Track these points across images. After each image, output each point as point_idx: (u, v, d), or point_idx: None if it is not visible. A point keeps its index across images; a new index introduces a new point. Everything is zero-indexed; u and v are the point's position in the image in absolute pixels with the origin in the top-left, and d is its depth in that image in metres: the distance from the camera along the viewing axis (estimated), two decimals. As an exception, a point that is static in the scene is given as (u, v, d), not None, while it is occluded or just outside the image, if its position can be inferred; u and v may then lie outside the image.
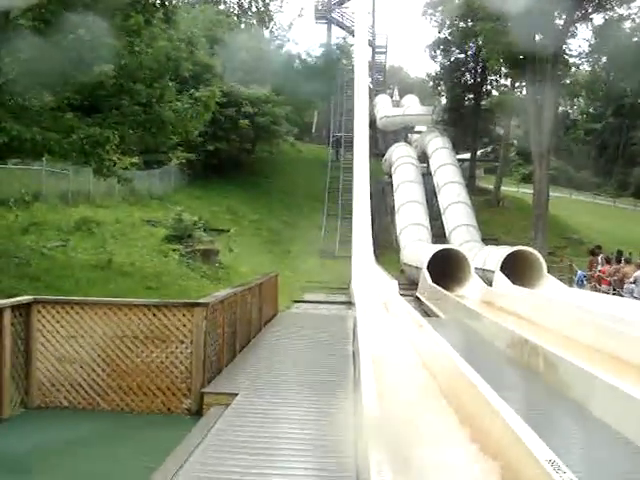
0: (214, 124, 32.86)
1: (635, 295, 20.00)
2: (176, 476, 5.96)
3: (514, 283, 24.44)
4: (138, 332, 9.13)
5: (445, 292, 22.19)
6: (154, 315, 9.12)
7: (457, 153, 46.12)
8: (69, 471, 6.98)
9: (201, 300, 9.73)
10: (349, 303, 21.61)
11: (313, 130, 57.87)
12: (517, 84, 48.82)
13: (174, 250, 23.69)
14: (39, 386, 9.12)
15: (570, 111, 72.30)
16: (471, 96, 50.20)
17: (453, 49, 50.46)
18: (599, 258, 24.79)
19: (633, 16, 40.16)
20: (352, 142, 44.97)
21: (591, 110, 71.30)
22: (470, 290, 25.01)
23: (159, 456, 6.60)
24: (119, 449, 7.72)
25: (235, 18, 56.12)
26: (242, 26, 54.43)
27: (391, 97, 61.68)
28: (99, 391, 9.10)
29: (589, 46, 46.35)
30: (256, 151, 44.47)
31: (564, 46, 39.93)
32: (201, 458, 6.51)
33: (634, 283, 20.42)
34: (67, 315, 9.17)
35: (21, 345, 8.98)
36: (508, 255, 26.57)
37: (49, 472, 6.96)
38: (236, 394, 8.86)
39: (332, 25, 61.87)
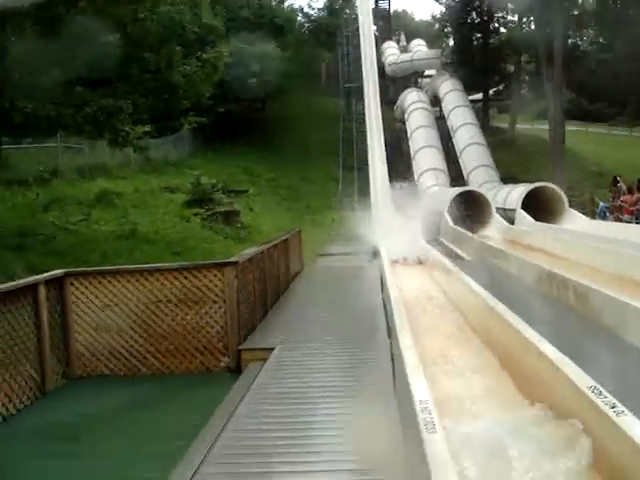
0: (223, 86, 32.68)
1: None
2: (224, 430, 6.10)
3: (536, 220, 24.36)
4: (171, 296, 9.25)
5: (467, 233, 22.18)
6: (185, 278, 9.24)
7: (469, 94, 45.49)
8: (117, 435, 7.14)
9: (230, 259, 9.82)
10: (373, 253, 21.65)
11: (322, 83, 57.37)
12: (525, 19, 48.07)
13: (195, 214, 23.84)
14: (79, 357, 9.30)
15: (580, 43, 71.12)
16: (479, 35, 49.48)
17: (458, -13, 49.67)
18: (621, 187, 24.61)
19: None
20: (362, 92, 44.62)
21: (601, 40, 70.13)
22: (493, 230, 24.97)
23: (204, 413, 6.74)
24: (164, 410, 7.89)
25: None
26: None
27: (398, 43, 60.88)
28: (138, 357, 9.27)
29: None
30: (267, 109, 44.24)
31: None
32: (245, 412, 6.65)
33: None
34: (100, 285, 9.31)
35: (58, 318, 9.13)
36: (528, 193, 26.45)
37: (98, 438, 7.11)
38: (272, 349, 9.00)
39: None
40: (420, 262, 18.25)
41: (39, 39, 15.51)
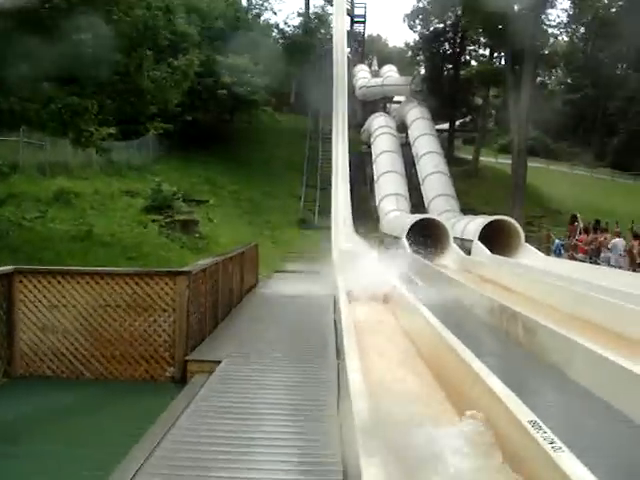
0: (192, 94, 32.58)
1: (612, 263, 20.26)
2: (163, 440, 6.03)
3: (492, 252, 24.64)
4: (121, 301, 9.15)
5: (424, 261, 22.33)
6: (136, 284, 9.15)
7: (436, 123, 46.02)
8: (56, 438, 7.03)
9: (184, 269, 9.76)
10: (329, 272, 21.65)
11: (292, 100, 57.54)
12: (496, 54, 48.84)
13: (153, 221, 23.61)
14: (22, 356, 9.14)
15: (548, 81, 72.41)
16: (450, 66, 50.18)
17: (432, 19, 50.33)
18: (578, 225, 25.07)
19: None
20: (331, 112, 44.86)
21: (569, 81, 71.49)
22: (449, 259, 25.19)
23: (145, 422, 6.67)
24: (105, 416, 7.77)
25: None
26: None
27: (370, 67, 61.39)
28: (82, 360, 9.14)
29: (567, 16, 46.47)
30: (235, 121, 44.22)
31: (543, 16, 39.95)
32: (187, 423, 6.58)
33: (610, 251, 20.68)
34: (49, 285, 9.18)
35: (3, 315, 8.99)
36: (486, 225, 26.76)
37: (36, 440, 6.99)
38: (219, 362, 8.93)
39: (310, -6, 61.19)
40: (385, 299, 15.21)
41: (7, 32, 15.31)
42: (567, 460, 4.61)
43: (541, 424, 5.19)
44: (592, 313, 12.58)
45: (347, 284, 15.60)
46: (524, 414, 5.47)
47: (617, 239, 21.13)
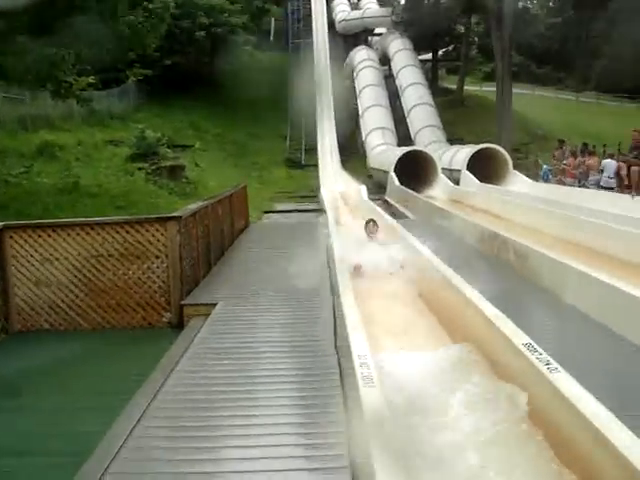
0: (170, 38, 32.00)
1: (602, 184, 20.22)
2: (165, 385, 6.10)
3: (481, 181, 24.63)
4: (113, 250, 9.17)
5: (413, 193, 22.33)
6: (127, 232, 9.15)
7: (418, 54, 45.50)
8: (59, 390, 7.11)
9: (173, 214, 9.75)
10: (319, 211, 21.68)
11: (271, 38, 56.61)
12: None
13: (140, 169, 23.52)
14: (18, 311, 9.18)
15: (530, 5, 71.37)
16: (430, -6, 49.31)
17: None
18: (565, 150, 25.00)
19: None
20: (312, 48, 44.26)
21: (551, 4, 70.44)
22: (438, 190, 25.20)
23: (146, 368, 6.74)
24: (106, 365, 7.82)
25: None
26: None
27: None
28: (79, 311, 9.19)
29: None
30: (215, 63, 43.58)
31: None
32: (187, 366, 6.66)
33: (601, 173, 20.61)
34: (40, 239, 9.17)
35: (-4, 272, 8.99)
36: (474, 154, 26.69)
37: (41, 393, 7.06)
38: (215, 304, 8.99)
39: None
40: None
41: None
42: (564, 380, 4.69)
43: (536, 346, 5.27)
44: (581, 236, 12.65)
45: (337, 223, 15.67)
46: (518, 337, 5.55)
47: (609, 160, 21.06)
